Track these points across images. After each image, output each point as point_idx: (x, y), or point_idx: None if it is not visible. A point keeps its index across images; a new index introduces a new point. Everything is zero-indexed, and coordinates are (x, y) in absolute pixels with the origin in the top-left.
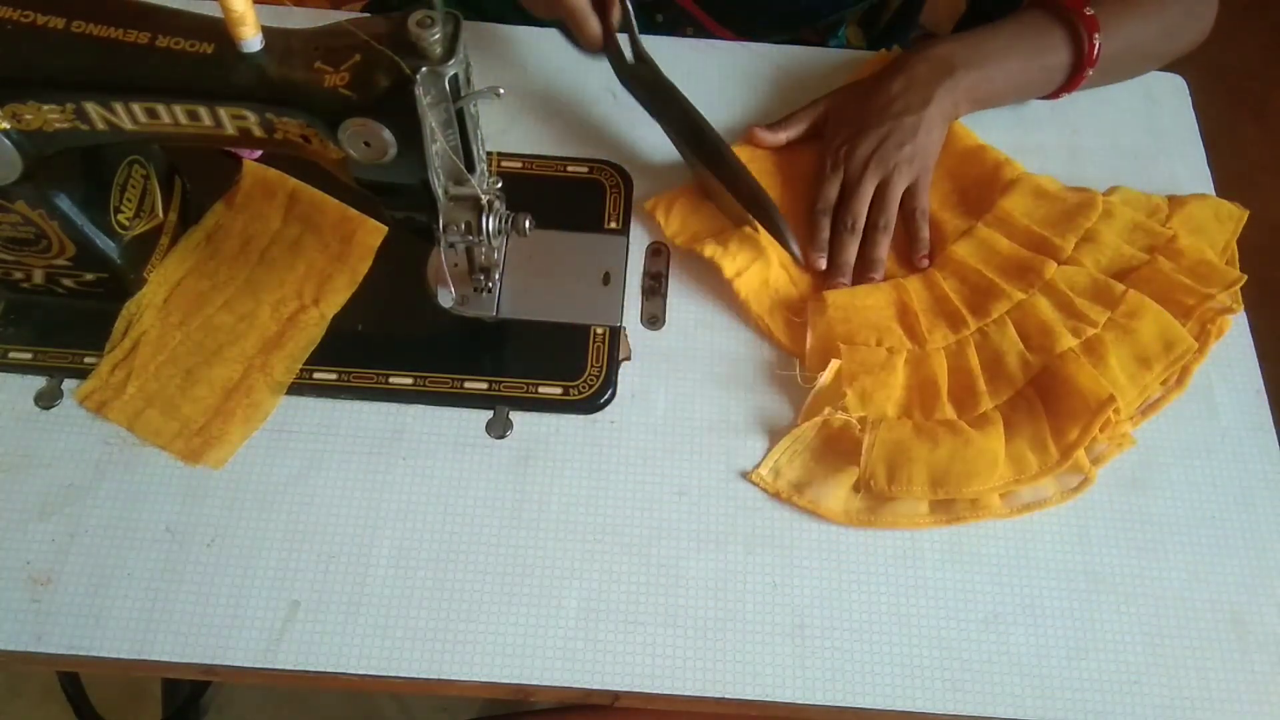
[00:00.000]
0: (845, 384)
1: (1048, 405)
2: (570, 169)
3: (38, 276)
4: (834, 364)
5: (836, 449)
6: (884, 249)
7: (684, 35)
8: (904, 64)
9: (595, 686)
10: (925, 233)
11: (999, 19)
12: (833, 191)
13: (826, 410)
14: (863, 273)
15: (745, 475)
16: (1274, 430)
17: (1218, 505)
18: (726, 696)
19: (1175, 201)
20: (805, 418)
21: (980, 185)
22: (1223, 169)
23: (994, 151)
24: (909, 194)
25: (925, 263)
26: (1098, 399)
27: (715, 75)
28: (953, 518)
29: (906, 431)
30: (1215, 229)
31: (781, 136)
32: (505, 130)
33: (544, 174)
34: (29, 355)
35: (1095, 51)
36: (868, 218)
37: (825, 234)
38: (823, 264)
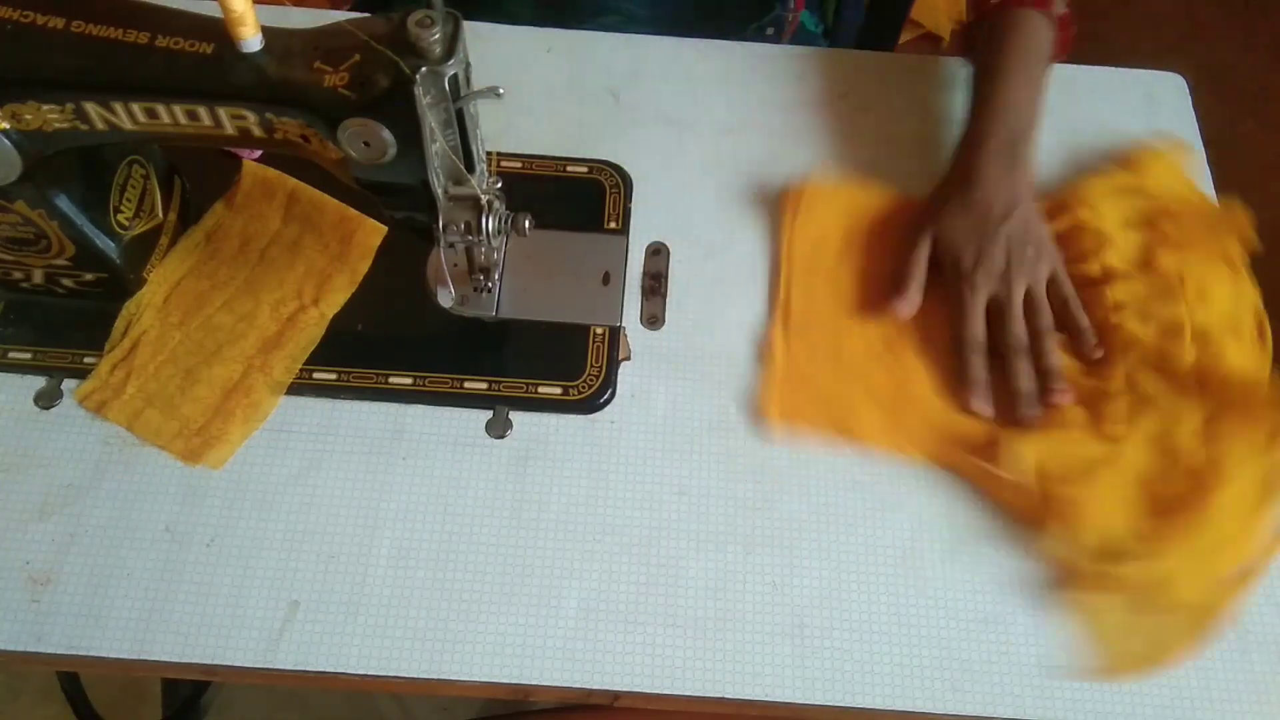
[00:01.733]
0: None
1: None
2: (570, 169)
3: (37, 276)
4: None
5: None
6: (1058, 356)
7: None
8: (975, 165)
9: (595, 686)
10: (1085, 320)
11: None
12: (979, 323)
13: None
14: (1049, 394)
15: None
16: None
17: None
18: (726, 696)
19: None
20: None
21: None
22: (1223, 169)
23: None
24: (1054, 289)
25: (1099, 352)
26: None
27: (716, 75)
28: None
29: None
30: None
31: (917, 297)
32: (505, 130)
33: (544, 174)
34: (29, 355)
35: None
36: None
37: (980, 372)
38: (987, 408)
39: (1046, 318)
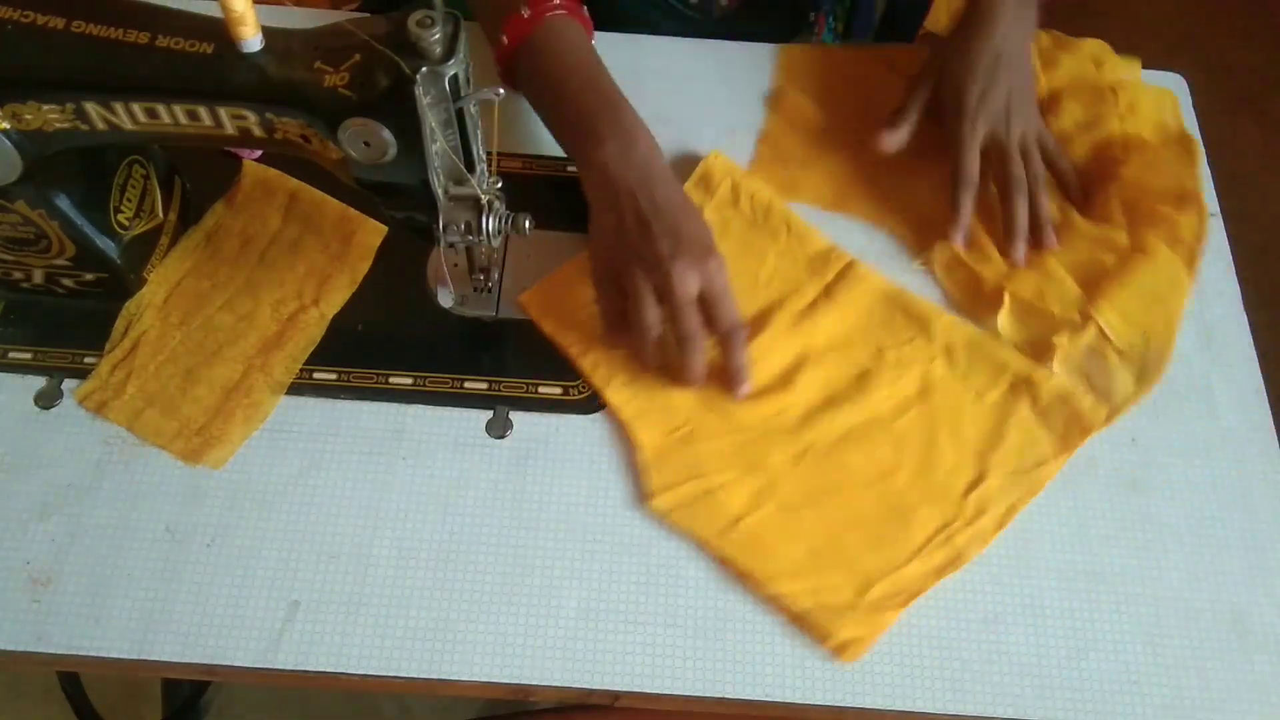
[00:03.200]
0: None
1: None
2: (570, 169)
3: (38, 276)
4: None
5: None
6: (1048, 201)
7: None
8: (990, 9)
9: (595, 686)
10: (1071, 170)
11: None
12: (975, 158)
13: None
14: (1039, 241)
15: None
16: (1274, 430)
17: (1218, 505)
18: (726, 696)
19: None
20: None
21: None
22: (1223, 169)
23: None
24: (1041, 140)
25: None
26: None
27: (716, 75)
28: None
29: None
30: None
31: (905, 134)
32: (505, 130)
33: (544, 174)
34: (29, 355)
35: None
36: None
37: (968, 208)
38: (962, 242)
39: (1039, 163)
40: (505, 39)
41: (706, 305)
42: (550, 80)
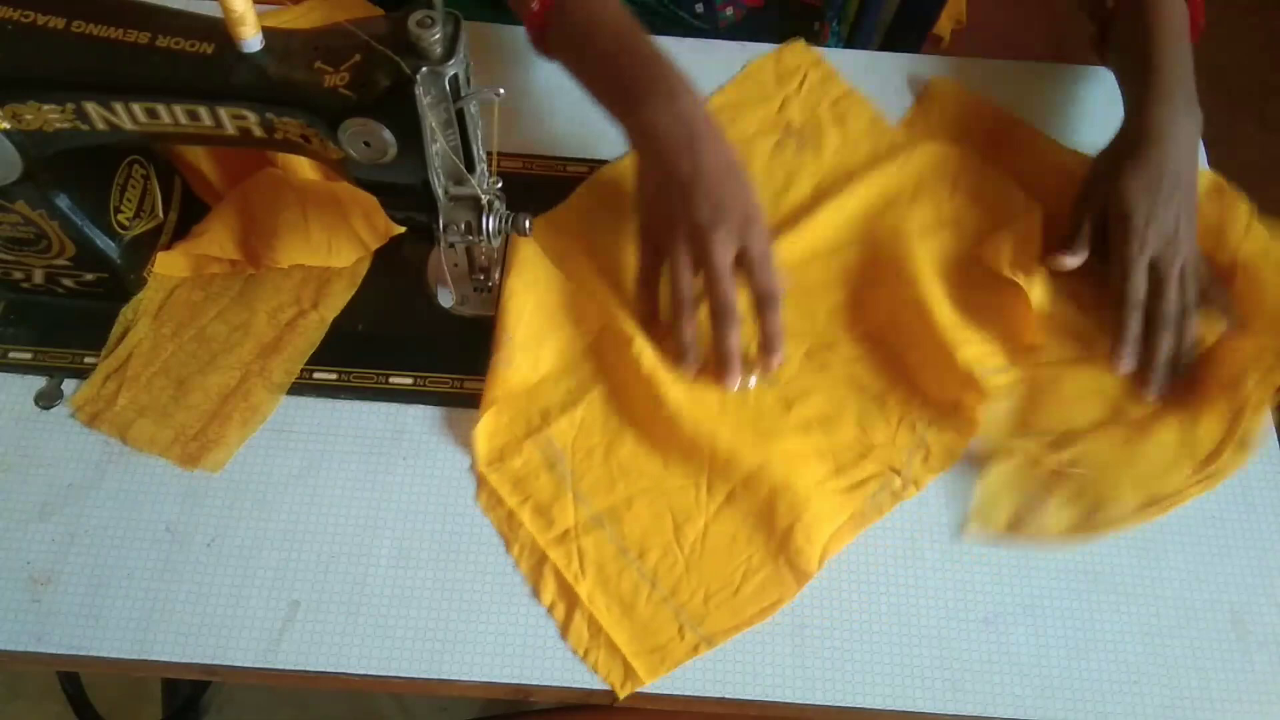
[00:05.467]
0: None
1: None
2: (570, 169)
3: (38, 276)
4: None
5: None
6: (1192, 341)
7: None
8: (1156, 123)
9: (595, 686)
10: (1226, 299)
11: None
12: (1143, 280)
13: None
14: (1174, 371)
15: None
16: (1274, 430)
17: (1218, 505)
18: (726, 696)
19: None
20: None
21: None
22: (1223, 169)
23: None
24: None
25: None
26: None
27: (716, 74)
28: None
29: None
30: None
31: (1082, 254)
32: (505, 130)
33: (544, 174)
34: (29, 355)
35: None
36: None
37: (1136, 329)
38: (1132, 365)
39: (1194, 292)
40: (535, 3)
41: (746, 270)
42: (584, 41)
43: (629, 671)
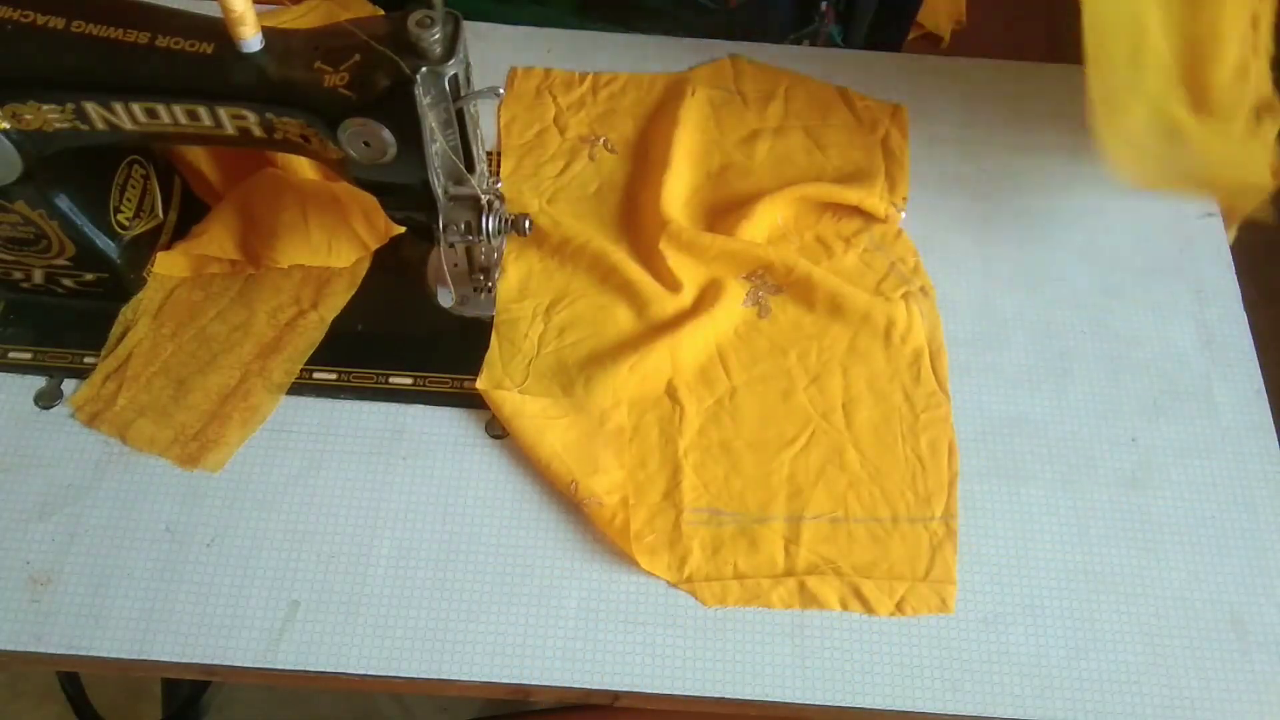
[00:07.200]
0: None
1: None
2: None
3: (38, 276)
4: None
5: None
6: None
7: None
8: None
9: (595, 686)
10: None
11: None
12: None
13: None
14: None
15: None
16: (1274, 430)
17: (1218, 505)
18: (726, 696)
19: None
20: None
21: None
22: None
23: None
24: None
25: None
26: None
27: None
28: None
29: None
30: None
31: None
32: None
33: None
34: (29, 355)
35: None
36: None
37: None
38: None
39: None
40: None
41: None
42: None
43: None
